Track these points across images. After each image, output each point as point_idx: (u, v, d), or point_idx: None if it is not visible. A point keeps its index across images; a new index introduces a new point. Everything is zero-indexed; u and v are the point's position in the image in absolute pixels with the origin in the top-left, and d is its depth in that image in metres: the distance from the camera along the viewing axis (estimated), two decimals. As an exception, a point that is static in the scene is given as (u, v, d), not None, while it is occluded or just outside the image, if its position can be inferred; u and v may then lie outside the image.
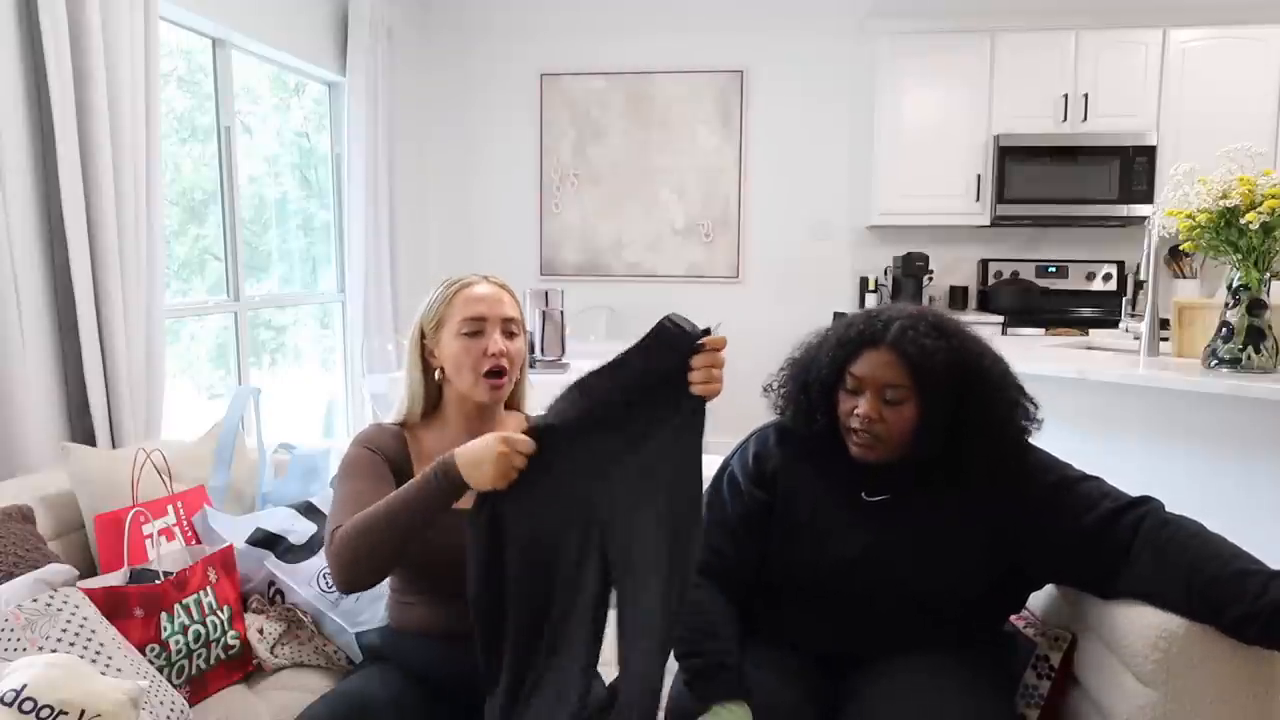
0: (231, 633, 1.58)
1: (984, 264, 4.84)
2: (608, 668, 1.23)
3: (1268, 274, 2.08)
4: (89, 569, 1.64)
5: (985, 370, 1.33)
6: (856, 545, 1.35)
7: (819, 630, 1.38)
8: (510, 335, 1.45)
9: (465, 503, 1.23)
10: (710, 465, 1.49)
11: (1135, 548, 1.22)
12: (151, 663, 1.42)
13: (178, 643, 1.48)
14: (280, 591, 1.71)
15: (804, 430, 1.41)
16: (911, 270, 4.61)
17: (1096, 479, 1.33)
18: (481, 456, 1.18)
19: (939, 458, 1.33)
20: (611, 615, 1.22)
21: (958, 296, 4.83)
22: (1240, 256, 2.08)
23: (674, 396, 1.17)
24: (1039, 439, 1.40)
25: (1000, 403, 1.33)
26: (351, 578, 1.23)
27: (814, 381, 1.38)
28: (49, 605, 1.28)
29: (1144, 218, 4.15)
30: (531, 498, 1.22)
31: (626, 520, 1.20)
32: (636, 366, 1.19)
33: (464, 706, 1.34)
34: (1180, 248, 2.21)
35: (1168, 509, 1.27)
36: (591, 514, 1.22)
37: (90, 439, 2.22)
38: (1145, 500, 1.27)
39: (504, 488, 1.20)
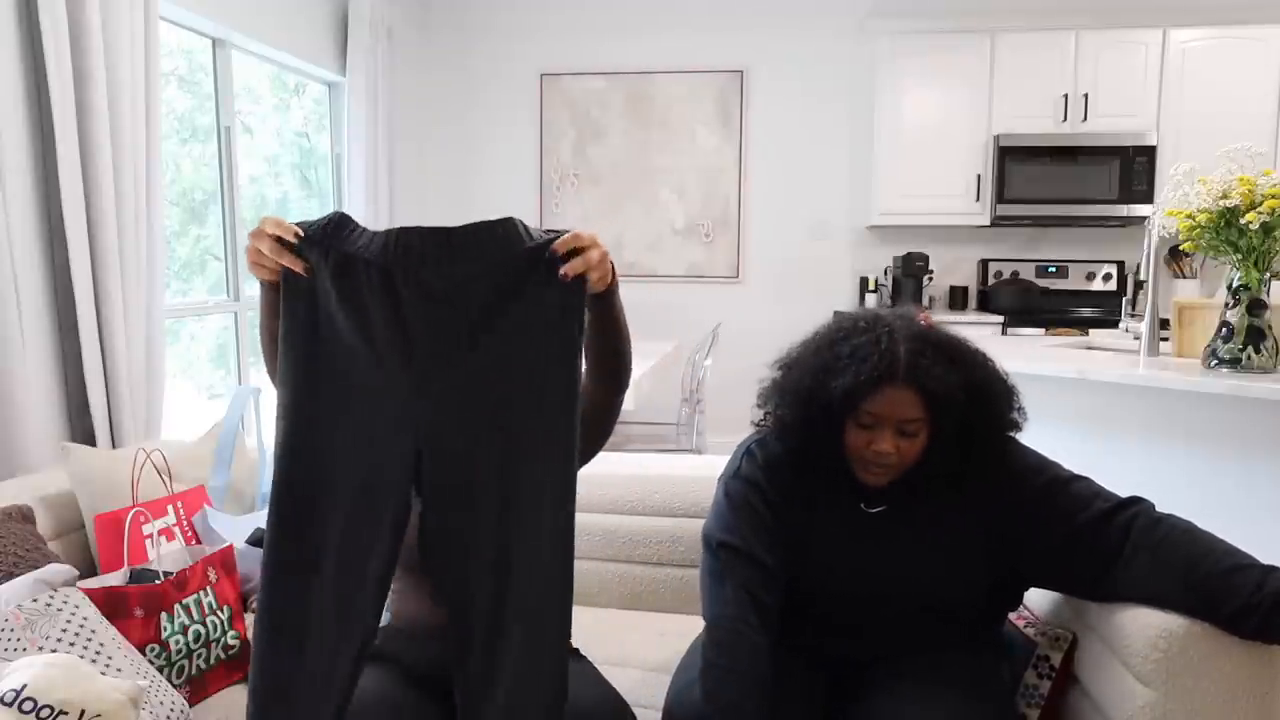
0: (231, 633, 1.58)
1: (984, 264, 4.84)
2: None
3: (1268, 274, 2.08)
4: (89, 569, 1.65)
5: (991, 381, 1.31)
6: (858, 558, 1.34)
7: (818, 636, 1.38)
8: None
9: None
10: (716, 467, 1.48)
11: (1128, 549, 1.22)
12: (151, 663, 1.42)
13: (178, 643, 1.48)
14: (280, 591, 1.71)
15: (812, 458, 1.36)
16: (911, 270, 4.61)
17: (1086, 479, 1.32)
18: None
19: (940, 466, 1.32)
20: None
21: (958, 296, 4.83)
22: (1240, 256, 2.08)
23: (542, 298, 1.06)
24: (1035, 438, 1.39)
25: (1004, 408, 1.32)
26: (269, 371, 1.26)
27: (818, 417, 1.30)
28: (49, 605, 1.28)
29: (1144, 218, 4.16)
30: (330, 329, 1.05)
31: (464, 440, 1.06)
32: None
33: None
34: (1180, 248, 2.21)
35: (1166, 508, 1.26)
36: (409, 418, 1.06)
37: (90, 439, 2.22)
38: (1135, 500, 1.27)
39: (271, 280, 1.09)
